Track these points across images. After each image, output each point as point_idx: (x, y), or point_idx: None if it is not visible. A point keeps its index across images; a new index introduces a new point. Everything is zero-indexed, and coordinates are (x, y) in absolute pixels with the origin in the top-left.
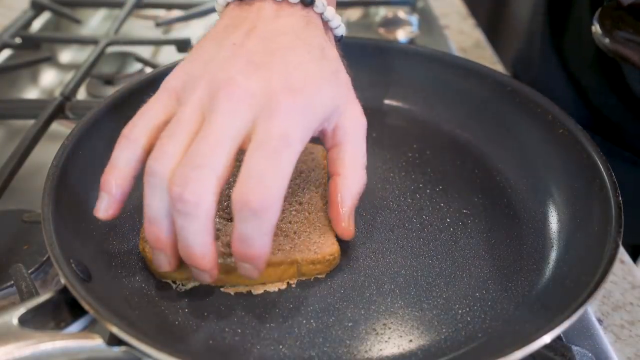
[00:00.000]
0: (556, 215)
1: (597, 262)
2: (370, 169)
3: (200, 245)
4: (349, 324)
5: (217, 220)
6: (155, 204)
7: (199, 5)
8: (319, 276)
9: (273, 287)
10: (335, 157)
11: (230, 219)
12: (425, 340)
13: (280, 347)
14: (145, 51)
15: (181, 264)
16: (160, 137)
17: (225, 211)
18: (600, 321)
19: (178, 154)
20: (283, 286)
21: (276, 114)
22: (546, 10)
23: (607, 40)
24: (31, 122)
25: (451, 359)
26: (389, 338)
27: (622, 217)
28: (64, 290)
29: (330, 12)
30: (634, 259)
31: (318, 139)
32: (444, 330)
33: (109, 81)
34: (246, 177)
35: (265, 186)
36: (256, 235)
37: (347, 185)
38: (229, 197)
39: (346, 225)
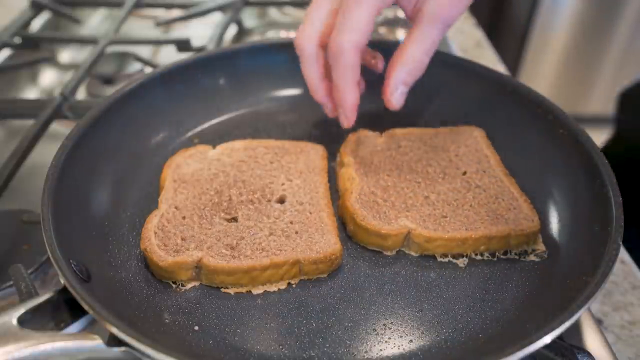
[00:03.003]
0: (556, 215)
1: (598, 262)
2: None
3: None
4: (349, 324)
5: (218, 220)
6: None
7: (199, 5)
8: (320, 276)
9: (273, 287)
10: (406, 36)
11: (231, 220)
12: (426, 341)
13: (281, 347)
14: (145, 51)
15: (182, 264)
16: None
17: (225, 212)
18: (600, 321)
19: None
20: (283, 286)
21: None
22: None
23: None
24: (30, 122)
25: (451, 359)
26: (389, 338)
27: (623, 217)
28: (63, 291)
29: None
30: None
31: (319, 138)
32: (444, 330)
33: (108, 81)
34: (333, 30)
35: (340, 34)
36: (338, 79)
37: (398, 59)
38: (229, 197)
39: (389, 97)
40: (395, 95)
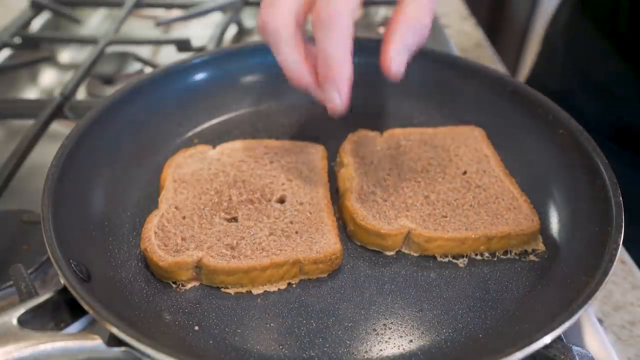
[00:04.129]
0: (556, 215)
1: (597, 262)
2: None
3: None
4: (349, 324)
5: (218, 220)
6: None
7: (199, 5)
8: (320, 276)
9: (273, 287)
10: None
11: (231, 219)
12: (426, 341)
13: (281, 347)
14: (145, 51)
15: (182, 264)
16: None
17: (225, 211)
18: (600, 321)
19: None
20: (283, 286)
21: None
22: (566, 29)
23: None
24: (30, 122)
25: (451, 359)
26: (389, 338)
27: (623, 217)
28: (63, 291)
29: None
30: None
31: (319, 138)
32: (444, 330)
33: (108, 81)
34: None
35: (330, 2)
36: (331, 49)
37: (400, 20)
38: (229, 197)
39: (389, 63)
40: (397, 61)
